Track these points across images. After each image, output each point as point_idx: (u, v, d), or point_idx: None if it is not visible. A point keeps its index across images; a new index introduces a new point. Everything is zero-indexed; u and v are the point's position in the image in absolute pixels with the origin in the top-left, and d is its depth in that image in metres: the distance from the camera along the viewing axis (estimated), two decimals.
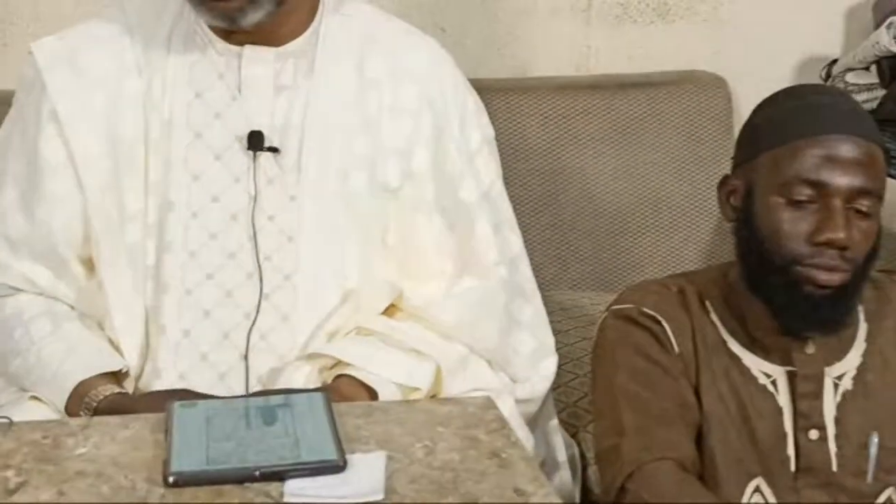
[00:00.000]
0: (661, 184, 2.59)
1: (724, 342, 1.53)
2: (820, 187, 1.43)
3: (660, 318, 1.51)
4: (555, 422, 1.77)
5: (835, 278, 1.44)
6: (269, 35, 1.57)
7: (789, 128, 1.47)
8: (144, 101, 1.56)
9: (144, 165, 1.56)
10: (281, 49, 1.58)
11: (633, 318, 1.52)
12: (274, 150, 1.56)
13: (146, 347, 1.56)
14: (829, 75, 2.67)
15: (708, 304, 1.55)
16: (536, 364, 1.69)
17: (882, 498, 1.55)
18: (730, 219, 1.55)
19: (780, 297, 1.47)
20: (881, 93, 2.52)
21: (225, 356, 1.55)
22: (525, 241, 2.48)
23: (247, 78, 1.57)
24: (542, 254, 2.55)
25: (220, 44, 1.58)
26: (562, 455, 1.76)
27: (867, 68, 2.60)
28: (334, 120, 1.58)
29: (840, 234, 1.42)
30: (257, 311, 1.54)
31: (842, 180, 1.43)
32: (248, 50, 1.57)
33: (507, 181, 2.47)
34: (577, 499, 1.80)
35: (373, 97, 1.61)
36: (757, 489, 1.50)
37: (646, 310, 1.52)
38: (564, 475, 1.75)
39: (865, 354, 1.56)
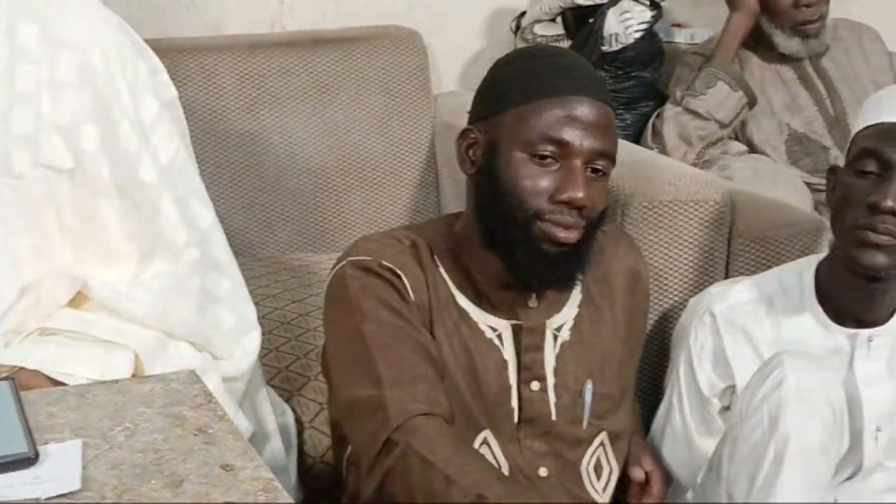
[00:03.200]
0: (364, 141, 2.59)
1: (453, 296, 1.54)
2: (563, 146, 1.46)
3: (398, 270, 1.49)
4: (263, 392, 1.73)
5: (572, 236, 1.47)
6: None
7: (534, 86, 1.48)
8: None
9: None
10: None
11: (373, 270, 1.49)
12: None
13: None
14: (518, 27, 2.74)
15: (437, 258, 1.55)
16: (239, 339, 1.63)
17: (596, 442, 1.61)
18: (468, 172, 1.54)
19: (519, 253, 1.48)
20: (567, 44, 2.61)
21: None
22: (228, 205, 2.45)
23: None
24: (246, 217, 2.50)
25: None
26: (272, 425, 1.72)
27: (553, 20, 2.69)
28: None
29: (580, 194, 1.45)
30: None
31: (584, 141, 1.46)
32: None
33: (205, 144, 2.43)
34: (294, 465, 1.77)
35: (28, 70, 1.47)
36: (485, 441, 1.52)
37: (385, 262, 1.49)
38: (276, 445, 1.71)
39: (581, 305, 1.61)
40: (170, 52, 1.64)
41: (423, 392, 1.43)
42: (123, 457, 1.13)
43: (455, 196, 2.58)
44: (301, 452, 1.84)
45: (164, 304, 1.54)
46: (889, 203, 1.56)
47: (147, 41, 1.63)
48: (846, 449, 1.62)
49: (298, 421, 1.85)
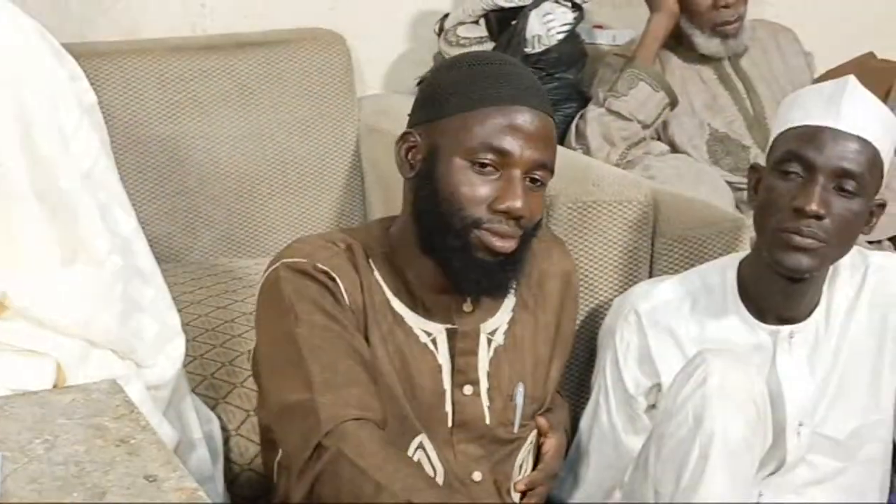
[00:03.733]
0: (287, 144, 2.57)
1: (388, 301, 1.53)
2: (504, 155, 1.46)
3: (333, 273, 1.48)
4: (188, 400, 1.71)
5: (508, 245, 1.47)
6: None
7: (477, 94, 1.48)
8: None
9: None
10: None
11: (308, 273, 1.47)
12: None
13: None
14: (441, 29, 2.74)
15: (372, 262, 1.54)
16: (163, 347, 1.61)
17: (527, 442, 1.62)
18: (407, 175, 1.53)
19: (454, 260, 1.48)
20: (490, 46, 2.62)
21: None
22: (150, 211, 2.42)
23: None
24: (169, 222, 2.47)
25: None
26: (197, 433, 1.70)
27: (476, 22, 2.69)
28: None
29: (518, 204, 1.45)
30: None
31: (525, 151, 1.46)
32: None
33: (126, 150, 2.39)
34: (221, 473, 1.75)
35: None
36: (420, 446, 1.52)
37: (320, 265, 1.48)
38: (202, 454, 1.69)
39: (515, 309, 1.62)
40: (88, 56, 1.60)
41: (355, 397, 1.42)
42: (43, 470, 1.11)
43: (381, 199, 2.58)
44: (227, 460, 1.82)
45: (87, 312, 1.52)
46: (813, 207, 1.58)
47: (65, 46, 1.60)
48: (769, 444, 1.64)
49: (224, 428, 1.83)
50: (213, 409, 1.84)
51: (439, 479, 1.53)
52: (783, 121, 1.69)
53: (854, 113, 1.62)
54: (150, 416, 1.40)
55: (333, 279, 1.48)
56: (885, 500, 1.83)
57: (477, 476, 1.56)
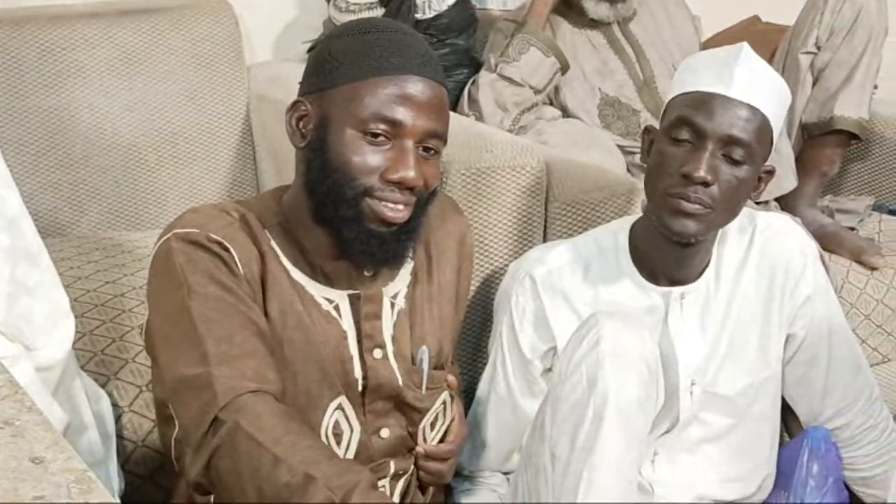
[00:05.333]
0: (175, 114, 2.52)
1: (287, 270, 1.51)
2: (395, 125, 1.44)
3: (227, 243, 1.45)
4: (78, 382, 1.66)
5: (400, 215, 1.46)
6: None
7: (368, 63, 1.46)
8: None
9: None
10: None
11: (201, 243, 1.44)
12: None
13: None
14: None
15: (268, 232, 1.51)
16: (52, 329, 1.56)
17: (438, 403, 1.63)
18: (298, 145, 1.51)
19: (347, 231, 1.46)
20: (381, 11, 2.60)
21: None
22: (33, 185, 2.35)
23: None
24: (53, 196, 2.41)
25: None
26: (88, 416, 1.65)
27: None
28: None
29: (411, 174, 1.44)
30: None
31: (417, 121, 1.45)
32: None
33: (5, 123, 2.32)
34: (114, 452, 1.71)
35: None
36: (339, 406, 1.52)
37: (213, 235, 1.44)
38: (93, 436, 1.65)
39: (414, 272, 1.62)
40: None
41: (251, 369, 1.40)
42: None
43: (273, 169, 2.55)
44: (121, 437, 1.78)
45: None
46: (701, 173, 1.60)
47: None
48: (662, 404, 1.67)
49: (116, 405, 1.79)
50: (103, 386, 1.80)
51: (354, 439, 1.53)
52: (677, 85, 1.70)
53: (746, 81, 1.63)
54: (38, 398, 1.36)
55: (227, 249, 1.45)
56: (775, 455, 1.88)
57: (385, 433, 1.57)
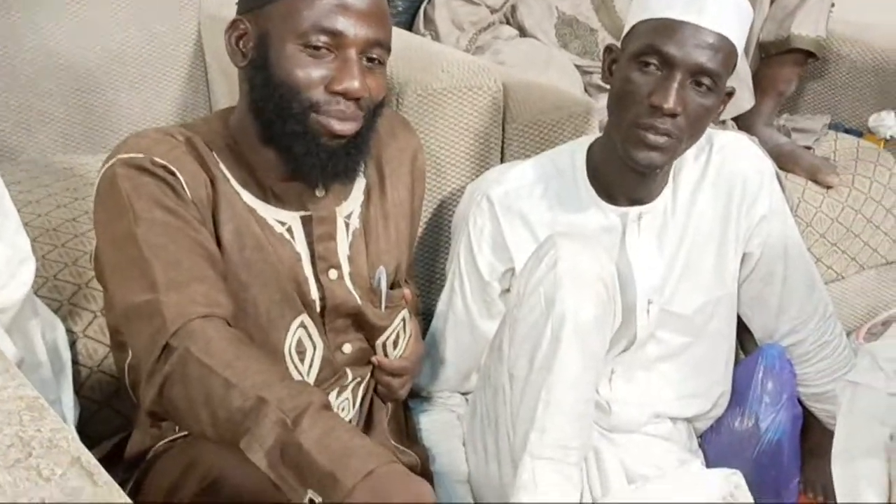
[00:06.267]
0: (125, 35, 2.46)
1: (238, 193, 1.49)
2: (336, 36, 1.42)
3: (173, 167, 1.42)
4: (35, 322, 1.62)
5: (348, 127, 1.44)
6: None
7: None
8: None
9: None
10: None
11: (146, 168, 1.41)
12: None
13: None
14: None
15: (216, 155, 1.49)
16: (13, 271, 1.53)
17: (397, 321, 1.64)
18: (239, 64, 1.48)
19: (296, 147, 1.45)
20: None
21: None
22: None
23: None
24: (2, 120, 2.36)
25: None
26: (42, 355, 1.62)
27: None
28: None
29: (356, 84, 1.42)
30: None
31: (359, 31, 1.43)
32: None
33: None
34: (69, 380, 1.69)
35: None
36: (301, 324, 1.52)
37: (158, 159, 1.42)
38: (45, 372, 1.62)
39: (366, 191, 1.61)
40: None
41: (201, 294, 1.38)
42: None
43: (226, 90, 2.50)
44: (75, 363, 1.76)
45: None
46: (670, 104, 1.58)
47: None
48: (620, 323, 1.68)
49: (70, 331, 1.77)
50: (56, 311, 1.77)
51: (318, 356, 1.54)
52: (642, 7, 1.66)
53: (716, 8, 1.60)
54: None
55: (173, 173, 1.43)
56: (730, 373, 1.90)
57: (347, 348, 1.58)
